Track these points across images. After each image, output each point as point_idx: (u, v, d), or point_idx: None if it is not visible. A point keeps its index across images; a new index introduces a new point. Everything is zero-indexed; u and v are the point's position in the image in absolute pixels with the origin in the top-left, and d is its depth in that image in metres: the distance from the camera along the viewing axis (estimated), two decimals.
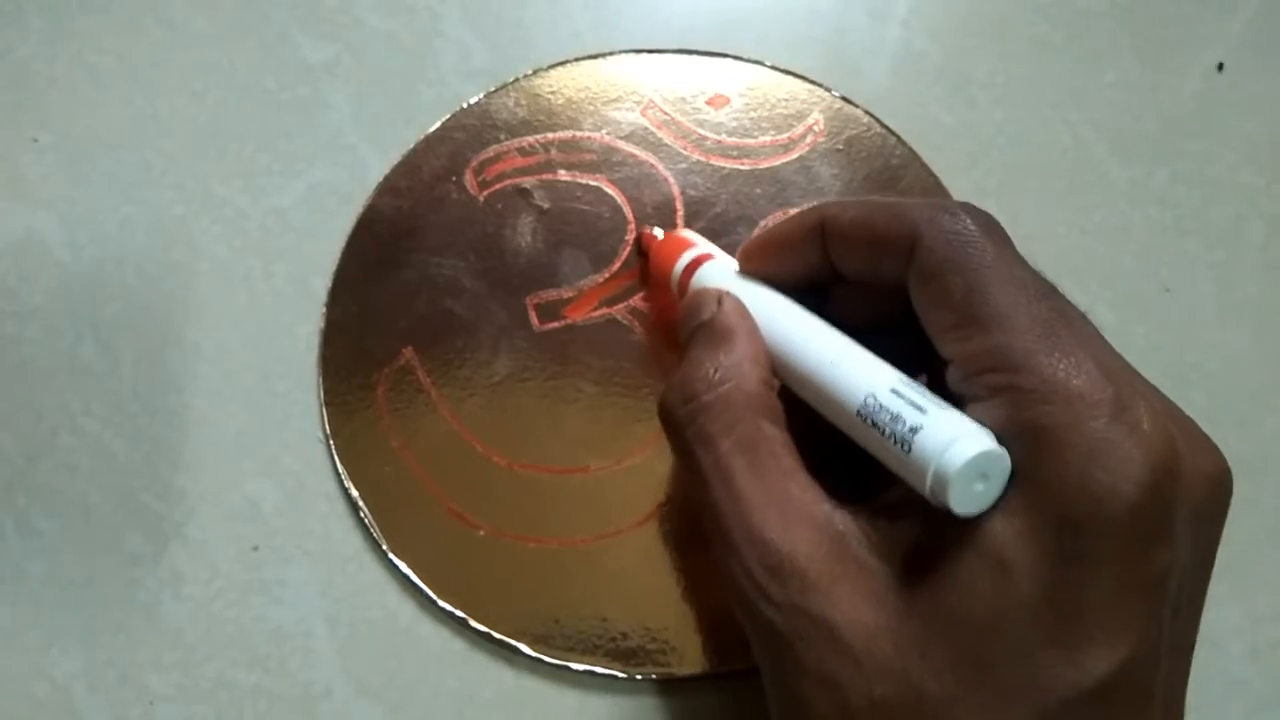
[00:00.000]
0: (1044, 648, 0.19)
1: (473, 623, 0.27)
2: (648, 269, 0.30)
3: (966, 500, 0.19)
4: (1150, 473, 0.18)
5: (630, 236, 0.31)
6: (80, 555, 0.28)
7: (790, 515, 0.21)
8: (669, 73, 0.33)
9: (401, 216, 0.31)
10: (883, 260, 0.22)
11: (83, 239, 0.32)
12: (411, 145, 0.32)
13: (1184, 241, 0.32)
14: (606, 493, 0.28)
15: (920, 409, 0.20)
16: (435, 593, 0.27)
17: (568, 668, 0.26)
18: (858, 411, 0.21)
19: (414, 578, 0.27)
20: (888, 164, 0.32)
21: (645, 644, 0.27)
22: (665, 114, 0.33)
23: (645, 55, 0.34)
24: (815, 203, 0.27)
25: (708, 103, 0.33)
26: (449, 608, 0.27)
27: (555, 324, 0.30)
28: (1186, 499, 0.19)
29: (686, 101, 0.33)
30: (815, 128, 0.33)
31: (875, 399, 0.21)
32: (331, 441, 0.29)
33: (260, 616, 0.28)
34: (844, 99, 0.33)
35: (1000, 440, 0.19)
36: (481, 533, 0.28)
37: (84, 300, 0.31)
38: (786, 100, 0.33)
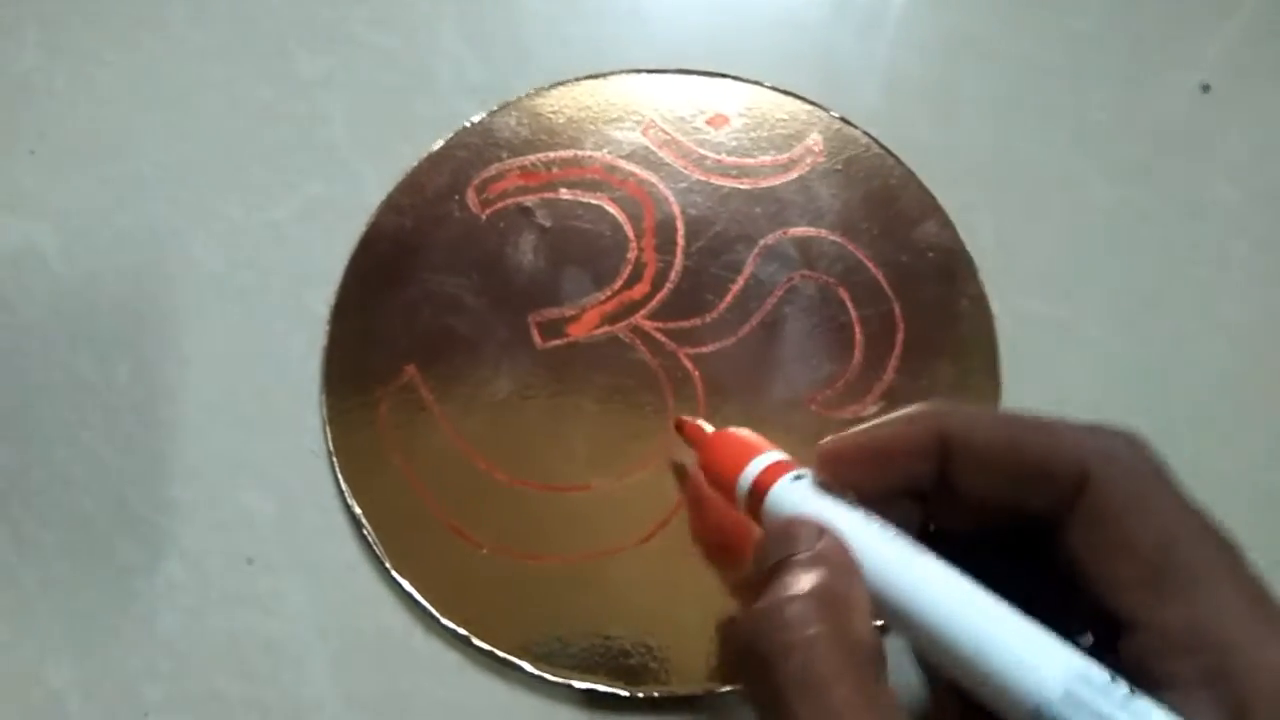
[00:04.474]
0: None
1: (475, 640, 0.27)
2: (685, 477, 0.28)
3: None
4: None
5: (631, 255, 0.31)
6: (75, 565, 0.28)
7: None
8: (669, 93, 0.34)
9: (404, 234, 0.31)
10: (1032, 492, 0.19)
11: (78, 251, 0.31)
12: (414, 163, 0.32)
13: (1168, 259, 0.33)
14: (608, 510, 0.28)
15: None
16: (438, 610, 0.27)
17: (569, 686, 0.27)
18: None
19: (417, 595, 0.27)
20: (886, 184, 0.33)
21: (647, 662, 0.27)
22: (666, 133, 0.33)
23: (645, 75, 0.34)
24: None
25: (708, 122, 0.33)
26: (452, 625, 0.27)
27: (557, 341, 0.30)
28: None
29: (686, 121, 0.33)
30: (814, 148, 0.33)
31: (1049, 710, 0.17)
32: (334, 458, 0.29)
33: (253, 629, 0.28)
34: (842, 119, 0.34)
35: None
36: (483, 550, 0.28)
37: (80, 313, 0.31)
38: (786, 120, 0.33)
